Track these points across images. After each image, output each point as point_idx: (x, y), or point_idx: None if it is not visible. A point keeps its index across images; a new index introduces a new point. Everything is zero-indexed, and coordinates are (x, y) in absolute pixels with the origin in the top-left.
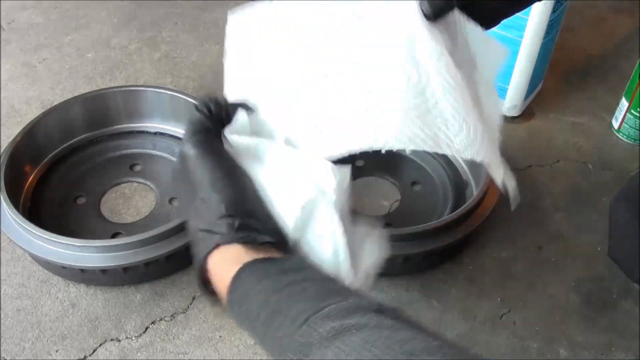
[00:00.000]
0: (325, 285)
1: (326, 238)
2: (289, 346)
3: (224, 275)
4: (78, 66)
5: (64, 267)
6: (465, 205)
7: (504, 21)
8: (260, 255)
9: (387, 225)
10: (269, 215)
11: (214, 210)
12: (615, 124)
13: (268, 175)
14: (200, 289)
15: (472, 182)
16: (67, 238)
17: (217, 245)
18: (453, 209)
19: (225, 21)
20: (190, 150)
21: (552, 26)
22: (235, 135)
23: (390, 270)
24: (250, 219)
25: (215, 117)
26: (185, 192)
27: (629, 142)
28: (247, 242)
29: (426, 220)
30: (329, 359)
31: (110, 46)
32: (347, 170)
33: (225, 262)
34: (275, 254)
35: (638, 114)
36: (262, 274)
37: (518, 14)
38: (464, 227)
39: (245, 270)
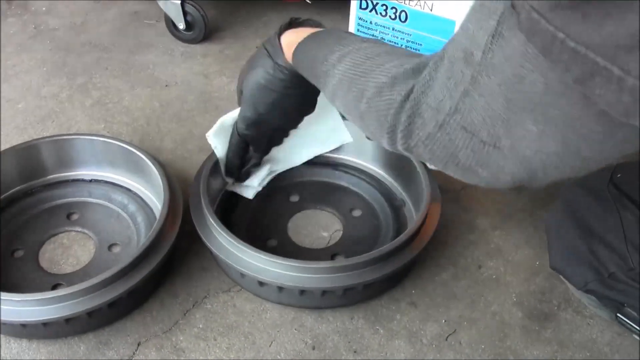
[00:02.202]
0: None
1: None
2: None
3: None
4: (9, 118)
5: (4, 324)
6: (406, 232)
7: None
8: None
9: (332, 256)
10: None
11: None
12: None
13: None
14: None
15: (409, 200)
16: (6, 293)
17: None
18: (395, 230)
19: (155, 63)
20: None
21: None
22: None
23: (334, 301)
24: None
25: None
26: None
27: None
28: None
29: (372, 244)
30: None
31: (40, 95)
32: None
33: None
34: None
35: None
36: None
37: None
38: (407, 254)
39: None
